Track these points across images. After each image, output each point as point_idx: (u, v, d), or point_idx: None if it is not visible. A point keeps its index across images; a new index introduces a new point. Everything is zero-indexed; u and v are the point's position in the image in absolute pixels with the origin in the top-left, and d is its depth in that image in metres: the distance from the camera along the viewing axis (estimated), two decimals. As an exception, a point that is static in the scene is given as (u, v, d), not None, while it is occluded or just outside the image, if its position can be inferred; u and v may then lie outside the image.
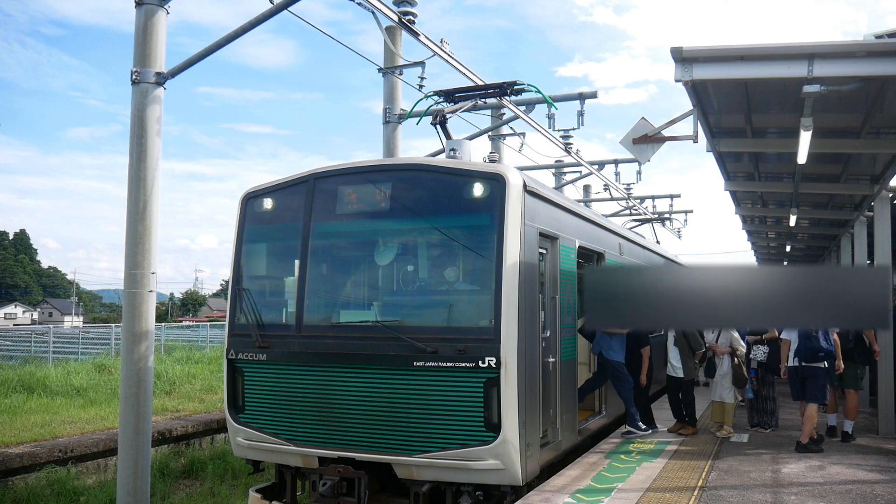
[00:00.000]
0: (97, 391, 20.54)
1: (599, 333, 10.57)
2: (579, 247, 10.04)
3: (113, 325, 35.84)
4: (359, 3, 10.04)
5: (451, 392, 7.49)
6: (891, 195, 12.38)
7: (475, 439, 7.40)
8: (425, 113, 10.26)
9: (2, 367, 24.50)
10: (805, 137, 9.15)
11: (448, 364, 7.48)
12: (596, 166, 19.98)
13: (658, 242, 21.89)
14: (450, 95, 9.79)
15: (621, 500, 7.42)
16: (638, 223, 23.61)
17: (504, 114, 15.77)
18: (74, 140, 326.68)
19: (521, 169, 12.24)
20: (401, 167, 8.74)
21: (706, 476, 8.48)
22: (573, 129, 15.86)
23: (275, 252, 9.34)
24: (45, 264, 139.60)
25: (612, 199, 23.30)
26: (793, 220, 16.96)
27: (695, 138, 9.68)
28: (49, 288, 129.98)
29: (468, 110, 12.01)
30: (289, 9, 9.57)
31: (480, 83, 11.27)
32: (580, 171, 20.89)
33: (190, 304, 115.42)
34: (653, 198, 25.14)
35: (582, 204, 17.20)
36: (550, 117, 14.42)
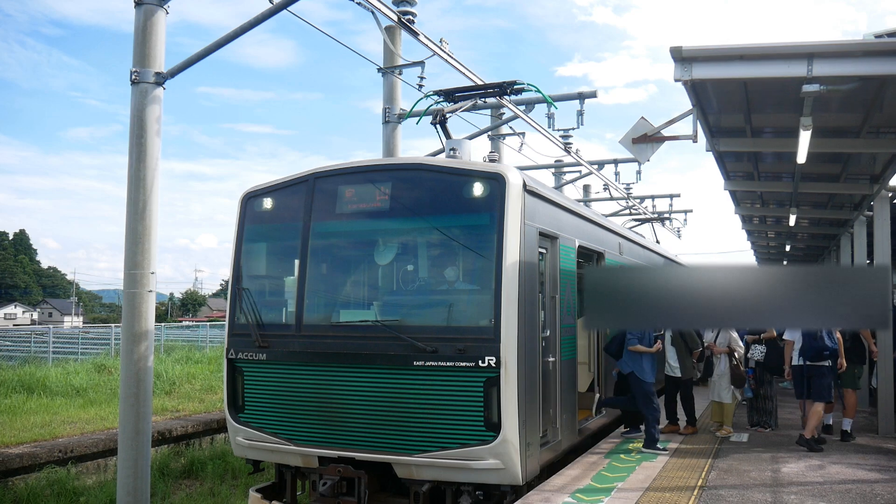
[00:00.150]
0: (97, 391, 20.54)
1: (627, 353, 10.17)
2: (579, 246, 10.04)
3: (113, 325, 35.82)
4: (358, 3, 10.04)
5: (451, 392, 7.50)
6: (890, 195, 12.39)
7: (475, 439, 7.41)
8: (425, 113, 10.26)
9: (2, 367, 24.48)
10: (804, 137, 9.16)
11: (448, 364, 7.48)
12: (595, 166, 19.98)
13: (658, 242, 21.89)
14: (449, 95, 9.79)
15: (621, 499, 7.43)
16: (638, 223, 23.61)
17: (504, 113, 15.77)
18: (74, 140, 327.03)
19: (521, 169, 12.24)
20: (401, 167, 8.74)
21: (706, 475, 8.49)
22: (573, 128, 15.88)
23: (275, 252, 9.34)
24: (44, 264, 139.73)
25: (611, 198, 23.30)
26: (792, 220, 16.97)
27: (694, 138, 9.68)
28: (49, 288, 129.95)
29: (468, 110, 12.02)
30: (288, 8, 9.57)
31: (480, 83, 11.28)
32: (580, 171, 20.89)
33: (190, 304, 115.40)
34: (652, 197, 25.16)
35: (582, 203, 17.20)
36: (550, 117, 14.42)
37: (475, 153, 9.19)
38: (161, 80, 9.60)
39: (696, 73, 7.69)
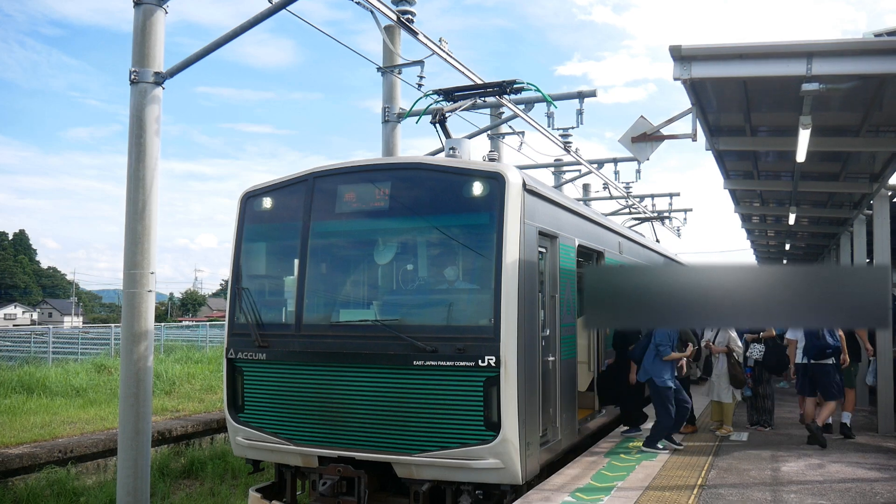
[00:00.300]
0: (97, 391, 20.53)
1: (648, 360, 10.01)
2: (579, 245, 10.04)
3: (112, 325, 35.81)
4: (357, 3, 10.04)
5: (451, 391, 7.49)
6: (890, 193, 12.38)
7: (475, 438, 7.40)
8: (424, 112, 10.26)
9: (1, 367, 24.47)
10: (804, 136, 9.16)
11: (448, 363, 7.48)
12: (595, 165, 19.98)
13: (658, 241, 21.90)
14: (449, 94, 9.78)
15: (621, 498, 7.43)
16: (637, 222, 23.64)
17: (503, 113, 15.77)
18: (74, 140, 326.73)
19: (521, 168, 12.23)
20: (400, 166, 8.73)
21: (706, 474, 8.49)
22: (572, 127, 15.89)
23: (274, 251, 9.33)
24: (44, 264, 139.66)
25: (611, 197, 23.30)
26: (792, 219, 16.96)
27: (694, 137, 9.68)
28: (48, 288, 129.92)
29: (467, 109, 12.01)
30: (287, 8, 9.56)
31: (479, 82, 11.28)
32: (579, 170, 20.89)
33: (189, 304, 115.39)
34: (652, 196, 25.13)
35: (581, 203, 17.20)
36: (550, 116, 14.42)
37: (475, 152, 9.19)
38: (160, 79, 9.59)
39: (695, 72, 7.69)
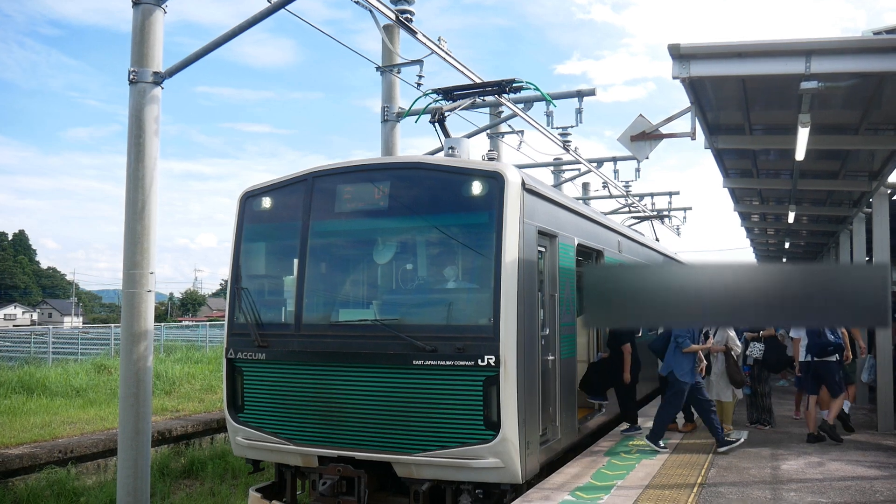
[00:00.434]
0: (97, 391, 20.53)
1: (669, 353, 9.97)
2: (578, 244, 10.04)
3: (112, 325, 35.81)
4: (356, 2, 10.03)
5: (451, 390, 7.49)
6: (889, 191, 12.38)
7: (475, 438, 7.41)
8: (424, 111, 10.26)
9: (1, 367, 24.47)
10: (803, 134, 9.16)
11: (447, 362, 7.48)
12: (595, 164, 19.97)
13: (657, 240, 21.90)
14: (448, 93, 9.78)
15: (621, 497, 7.43)
16: (637, 220, 23.64)
17: (502, 112, 15.76)
18: (74, 140, 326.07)
19: (520, 167, 12.20)
20: (399, 165, 8.74)
21: (705, 473, 8.49)
22: (572, 126, 15.86)
23: (274, 251, 9.33)
24: (44, 265, 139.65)
25: (611, 196, 23.28)
26: (791, 217, 16.98)
27: (693, 135, 9.68)
28: (48, 288, 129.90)
29: (467, 108, 12.00)
30: (287, 8, 9.56)
31: (479, 81, 11.27)
32: (579, 169, 20.87)
33: (189, 304, 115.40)
34: (652, 195, 25.12)
35: (581, 201, 17.20)
36: (549, 115, 14.40)
37: (474, 151, 9.19)
38: (159, 79, 9.59)
39: (694, 71, 7.69)
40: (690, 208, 26.64)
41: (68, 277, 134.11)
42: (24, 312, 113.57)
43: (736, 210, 18.70)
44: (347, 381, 7.94)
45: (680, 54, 7.62)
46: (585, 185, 25.65)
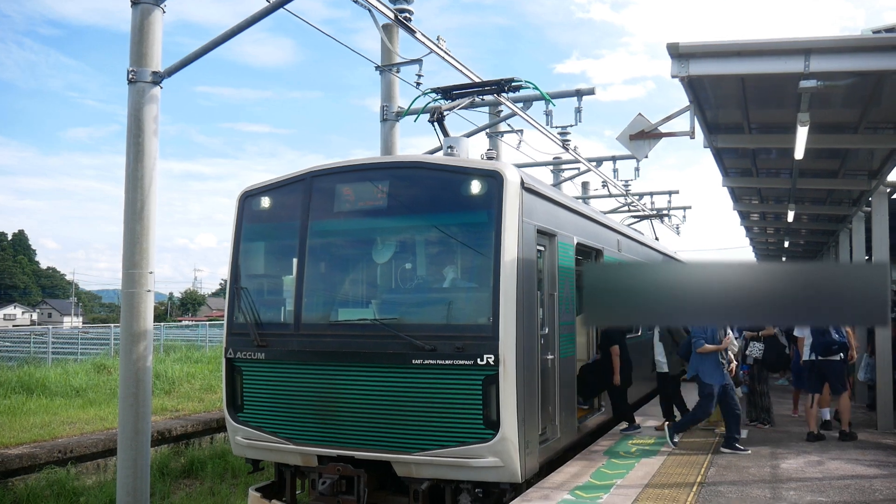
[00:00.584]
0: (96, 391, 20.52)
1: (693, 356, 9.93)
2: (577, 243, 10.04)
3: (112, 325, 35.78)
4: (355, 1, 10.03)
5: (450, 390, 7.49)
6: (888, 190, 12.38)
7: (474, 437, 7.40)
8: (423, 110, 10.26)
9: (1, 368, 24.47)
10: (802, 133, 9.16)
11: (446, 362, 7.47)
12: (594, 163, 19.97)
13: (657, 239, 21.91)
14: (447, 92, 9.78)
15: (620, 496, 7.43)
16: (636, 219, 23.65)
17: (502, 111, 15.75)
18: (73, 140, 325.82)
19: (520, 166, 12.18)
20: (398, 165, 8.73)
21: (705, 472, 8.49)
22: (571, 125, 15.87)
23: (273, 251, 9.33)
24: (43, 265, 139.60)
25: (610, 195, 23.28)
26: (791, 216, 16.98)
27: (692, 134, 9.68)
28: (48, 288, 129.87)
29: (466, 107, 12.00)
30: (286, 7, 9.55)
31: (478, 80, 11.27)
32: (578, 168, 20.87)
33: (189, 304, 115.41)
34: (651, 194, 25.13)
35: (580, 201, 17.19)
36: (548, 114, 14.40)
37: (473, 151, 9.19)
38: (158, 79, 9.58)
39: (693, 70, 7.69)
40: (690, 207, 26.67)
41: (68, 277, 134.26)
42: (23, 312, 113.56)
43: (735, 209, 18.70)
44: (347, 380, 7.94)
45: (679, 53, 7.62)
46: (585, 185, 25.67)
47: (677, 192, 25.16)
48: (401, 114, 13.42)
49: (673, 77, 7.76)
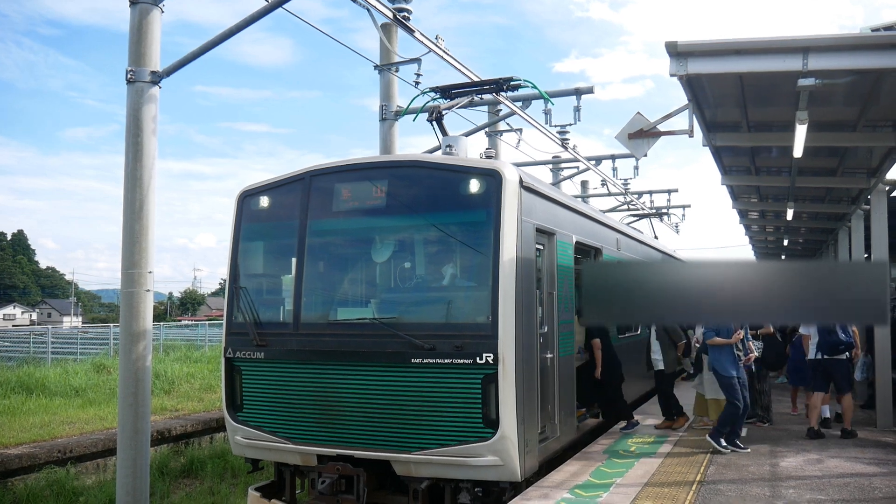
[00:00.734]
0: (96, 391, 20.53)
1: (710, 349, 9.86)
2: (576, 242, 10.03)
3: (112, 324, 35.80)
4: (354, 1, 10.03)
5: (449, 389, 7.49)
6: (887, 188, 12.39)
7: (473, 436, 7.40)
8: (421, 109, 10.25)
9: (1, 367, 24.47)
10: (801, 131, 9.16)
11: (446, 361, 7.47)
12: (593, 162, 19.97)
13: (656, 237, 21.90)
14: (446, 92, 9.77)
15: (620, 494, 7.43)
16: (636, 218, 23.63)
17: (501, 110, 15.76)
18: (73, 140, 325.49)
19: (519, 165, 12.17)
20: (397, 164, 8.73)
21: (704, 470, 8.49)
22: (570, 124, 15.86)
23: (272, 250, 9.32)
24: (43, 265, 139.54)
25: (609, 194, 23.31)
26: (790, 214, 16.99)
27: (690, 133, 9.68)
28: (48, 288, 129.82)
29: (464, 106, 11.99)
30: (284, 7, 9.56)
31: (476, 79, 11.26)
32: (577, 167, 20.88)
33: (189, 303, 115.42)
34: (650, 193, 25.14)
35: (579, 199, 17.20)
36: (547, 113, 14.39)
37: (473, 150, 9.18)
38: (157, 78, 9.58)
39: (691, 68, 7.69)
40: (689, 206, 26.68)
41: (67, 277, 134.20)
42: (23, 312, 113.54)
43: (734, 207, 18.71)
44: (346, 379, 7.93)
45: (677, 52, 7.62)
46: (584, 183, 25.68)
47: (676, 191, 25.19)
48: (400, 113, 13.41)
49: (672, 75, 7.76)
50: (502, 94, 11.99)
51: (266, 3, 9.41)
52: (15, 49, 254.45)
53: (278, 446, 8.34)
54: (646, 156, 11.00)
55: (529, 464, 7.79)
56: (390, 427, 7.72)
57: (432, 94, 9.91)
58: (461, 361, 7.42)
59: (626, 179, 22.63)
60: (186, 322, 65.19)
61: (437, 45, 11.12)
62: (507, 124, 16.41)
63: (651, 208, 24.68)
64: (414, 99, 11.31)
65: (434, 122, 9.40)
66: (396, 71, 13.31)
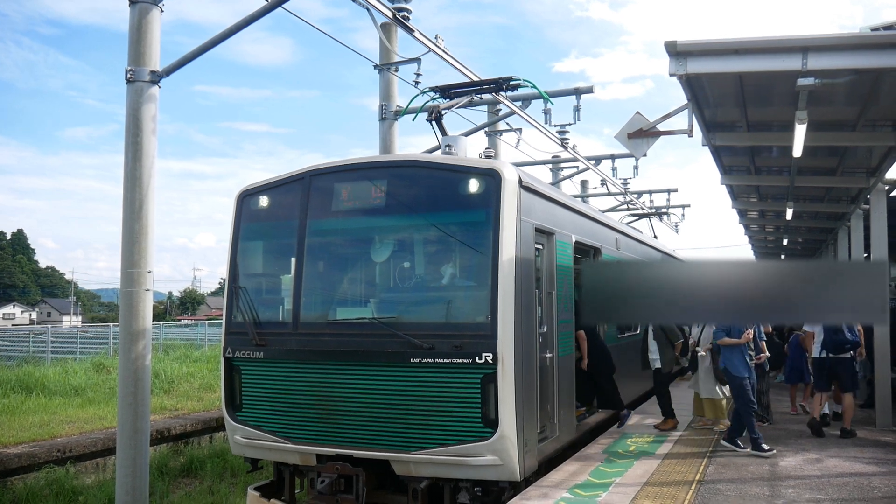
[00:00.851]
0: (95, 391, 20.53)
1: (722, 349, 9.85)
2: (576, 242, 10.03)
3: (111, 324, 35.79)
4: (354, 0, 10.03)
5: (449, 388, 7.49)
6: (887, 188, 12.39)
7: (473, 435, 7.40)
8: (421, 109, 10.25)
9: (0, 367, 24.46)
10: (800, 131, 9.15)
11: (445, 360, 7.47)
12: (593, 161, 19.97)
13: (655, 237, 21.89)
14: (445, 91, 9.77)
15: (619, 494, 7.43)
16: (635, 218, 23.63)
17: (500, 110, 15.76)
18: (72, 140, 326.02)
19: (518, 165, 12.16)
20: (396, 164, 8.72)
21: (704, 470, 8.49)
22: (570, 124, 15.86)
23: (271, 250, 9.32)
24: (42, 264, 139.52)
25: (609, 194, 23.30)
26: (789, 214, 16.99)
27: (690, 132, 9.67)
28: (47, 288, 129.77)
29: (464, 106, 11.99)
30: (284, 6, 9.56)
31: (476, 79, 11.26)
32: (577, 167, 20.88)
33: (189, 303, 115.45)
34: (650, 192, 25.15)
35: (578, 199, 17.20)
36: (547, 113, 14.41)
37: (472, 149, 9.18)
38: (156, 78, 9.58)
39: (690, 68, 7.69)
40: (689, 205, 26.69)
41: (67, 276, 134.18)
42: (22, 311, 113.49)
43: (734, 207, 18.71)
44: (345, 379, 7.93)
45: (677, 51, 7.62)
46: (584, 183, 25.68)
47: (676, 191, 25.21)
48: (399, 113, 13.41)
49: (671, 75, 7.76)
50: (502, 93, 12.00)
51: (266, 2, 9.41)
52: (15, 49, 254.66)
53: (277, 446, 8.34)
54: (645, 155, 10.99)
55: (529, 463, 7.79)
56: (389, 427, 7.71)
57: (432, 94, 9.91)
58: (460, 361, 7.42)
59: (625, 179, 22.63)
60: (186, 321, 65.20)
61: (436, 45, 11.12)
62: (507, 124, 16.42)
63: (651, 208, 24.68)
64: (413, 98, 11.31)
65: (433, 122, 9.40)
66: (396, 71, 13.30)
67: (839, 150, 12.06)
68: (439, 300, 8.09)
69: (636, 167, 21.47)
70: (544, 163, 20.94)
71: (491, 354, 7.31)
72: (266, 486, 8.96)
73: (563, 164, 21.59)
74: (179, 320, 75.30)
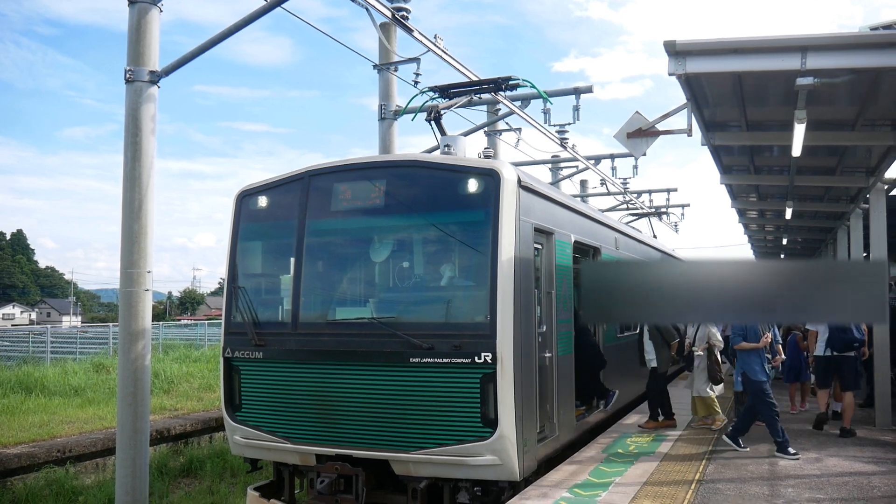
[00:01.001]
0: (95, 391, 20.52)
1: (739, 354, 9.77)
2: (575, 242, 10.03)
3: (111, 324, 35.77)
4: (353, 0, 10.03)
5: (448, 388, 7.48)
6: (886, 187, 12.38)
7: (472, 435, 7.40)
8: (420, 109, 10.24)
9: (0, 367, 24.46)
10: (799, 130, 9.15)
11: (444, 360, 7.47)
12: (592, 161, 19.97)
13: (655, 237, 21.90)
14: (444, 91, 9.77)
15: (619, 494, 7.43)
16: (635, 217, 23.65)
17: (500, 109, 15.76)
18: (72, 140, 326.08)
19: (518, 164, 12.16)
20: (396, 163, 8.73)
21: (703, 469, 8.49)
22: (569, 123, 15.87)
23: (270, 250, 9.32)
24: (42, 264, 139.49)
25: (608, 193, 23.31)
26: (789, 213, 16.98)
27: (689, 132, 9.67)
28: (47, 288, 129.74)
29: (463, 106, 11.99)
30: (283, 6, 9.56)
31: (475, 79, 11.26)
32: (577, 166, 20.89)
33: (188, 303, 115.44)
34: (649, 192, 25.16)
35: (578, 199, 17.20)
36: (546, 112, 14.41)
37: (472, 149, 9.18)
38: (155, 78, 9.58)
39: (689, 68, 7.68)
40: (688, 205, 26.71)
41: (67, 277, 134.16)
42: (22, 312, 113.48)
43: (733, 206, 18.70)
44: (344, 379, 7.93)
45: (676, 51, 7.61)
46: (583, 182, 25.69)
47: (675, 190, 25.24)
48: (399, 112, 13.41)
49: (670, 75, 7.75)
50: (501, 93, 12.00)
51: (265, 2, 9.41)
52: (14, 49, 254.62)
53: (277, 446, 8.34)
54: (644, 155, 10.99)
55: (528, 463, 7.79)
56: (389, 427, 7.71)
57: (431, 94, 9.91)
58: (459, 361, 7.42)
59: (625, 179, 22.64)
60: (185, 321, 65.22)
61: (435, 45, 11.12)
62: (506, 124, 16.42)
63: (650, 207, 24.69)
64: (413, 98, 11.31)
65: (433, 122, 9.40)
66: (395, 70, 13.30)
67: (838, 149, 12.06)
68: (438, 300, 8.09)
69: (635, 167, 21.48)
70: (544, 162, 20.94)
71: (490, 354, 7.31)
72: (266, 486, 8.96)
73: (562, 164, 21.60)
74: (179, 320, 75.32)
